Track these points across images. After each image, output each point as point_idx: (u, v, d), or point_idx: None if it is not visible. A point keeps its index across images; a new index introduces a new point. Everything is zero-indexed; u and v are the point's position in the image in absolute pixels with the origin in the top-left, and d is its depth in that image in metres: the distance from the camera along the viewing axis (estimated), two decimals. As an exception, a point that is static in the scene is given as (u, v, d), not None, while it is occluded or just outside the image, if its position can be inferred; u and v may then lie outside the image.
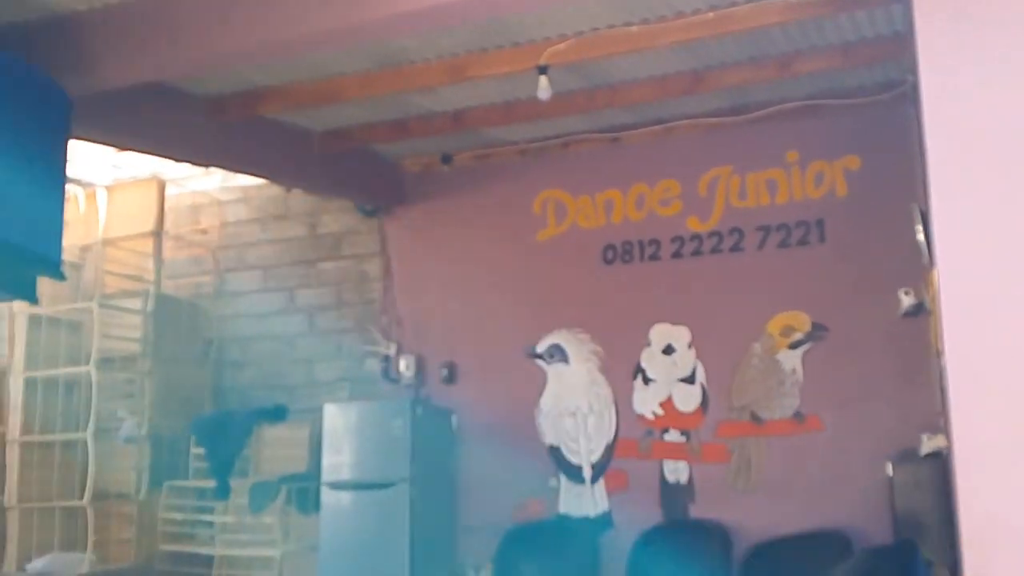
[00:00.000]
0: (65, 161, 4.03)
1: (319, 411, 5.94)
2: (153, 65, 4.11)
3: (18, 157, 3.67)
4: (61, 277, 4.12)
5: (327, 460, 5.81)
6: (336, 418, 5.87)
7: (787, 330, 5.41)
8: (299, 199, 6.77)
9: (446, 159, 6.30)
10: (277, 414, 6.36)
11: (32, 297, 4.37)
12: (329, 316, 6.61)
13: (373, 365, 6.39)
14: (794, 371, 5.38)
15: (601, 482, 5.77)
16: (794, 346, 5.38)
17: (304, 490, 5.93)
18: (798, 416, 5.34)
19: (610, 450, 5.76)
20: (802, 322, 5.37)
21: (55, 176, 3.96)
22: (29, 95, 3.79)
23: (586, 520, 5.76)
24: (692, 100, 5.37)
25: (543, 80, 4.49)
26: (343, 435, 5.83)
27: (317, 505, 5.82)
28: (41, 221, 3.84)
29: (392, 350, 6.32)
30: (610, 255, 5.92)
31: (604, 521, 5.72)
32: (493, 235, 6.25)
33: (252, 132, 5.49)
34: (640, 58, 4.73)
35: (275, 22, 3.76)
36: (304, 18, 3.71)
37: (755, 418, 5.44)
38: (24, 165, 3.72)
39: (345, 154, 6.03)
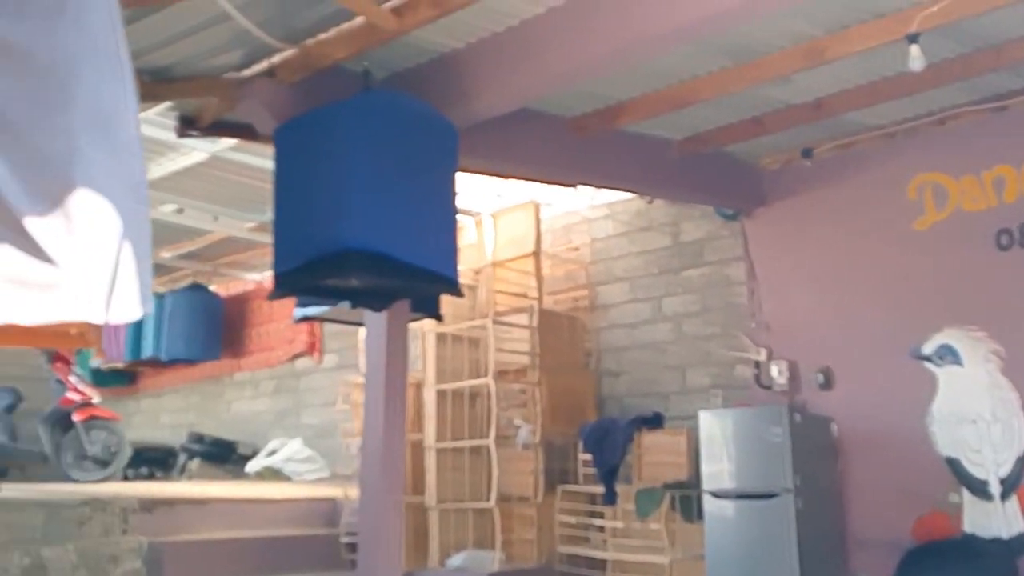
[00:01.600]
0: (455, 190, 4.35)
1: (694, 418, 5.99)
2: (523, 89, 4.42)
3: (419, 189, 4.00)
4: (460, 294, 4.45)
5: (706, 468, 5.84)
6: (712, 425, 5.89)
7: None
8: (661, 210, 6.89)
9: (806, 153, 6.01)
10: (655, 421, 6.54)
11: (437, 315, 4.96)
12: (696, 323, 6.64)
13: (744, 371, 6.30)
14: None
15: (1014, 499, 5.15)
16: None
17: (687, 498, 6.02)
18: None
19: (1021, 463, 5.15)
20: None
21: (448, 204, 4.28)
22: (424, 131, 4.12)
23: (998, 542, 5.17)
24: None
25: (914, 50, 4.08)
26: (720, 443, 5.83)
27: (700, 512, 5.88)
28: (441, 246, 4.16)
29: (762, 355, 6.18)
30: (1005, 240, 5.26)
31: (1021, 544, 5.13)
32: (863, 228, 5.83)
33: (612, 146, 5.66)
34: (1030, 8, 4.13)
35: (628, 28, 3.88)
36: (655, 19, 3.79)
37: None
38: (424, 196, 4.04)
39: (702, 158, 6.02)
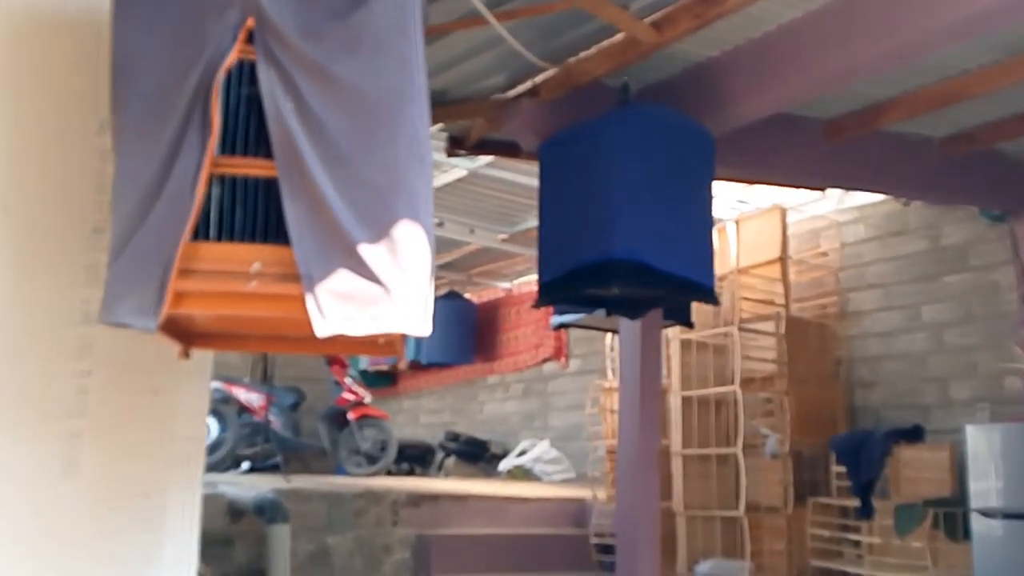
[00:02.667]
0: (712, 198, 4.38)
1: (958, 432, 5.70)
2: (779, 95, 4.38)
3: (679, 198, 4.09)
4: (716, 302, 4.50)
5: (974, 486, 5.54)
6: (980, 441, 5.56)
7: None
8: (917, 212, 6.59)
9: (1084, 149, 5.59)
10: (914, 434, 6.26)
11: (689, 322, 5.06)
12: (958, 332, 6.29)
13: (1015, 383, 5.92)
14: None
15: None
16: None
17: (951, 515, 5.74)
18: None
19: None
20: None
21: (706, 213, 4.32)
22: (683, 141, 4.19)
23: None
24: None
25: None
26: (989, 459, 5.51)
27: (967, 532, 5.59)
28: (699, 255, 4.22)
29: (1035, 367, 5.80)
30: None
31: None
32: None
33: (868, 148, 5.47)
34: None
35: (895, 29, 3.78)
36: (926, 17, 3.66)
37: None
38: (684, 205, 4.11)
39: (968, 158, 5.70)
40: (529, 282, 9.79)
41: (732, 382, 6.71)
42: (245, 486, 5.92)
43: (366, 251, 1.97)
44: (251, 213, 1.83)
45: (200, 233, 1.75)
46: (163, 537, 2.23)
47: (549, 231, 4.13)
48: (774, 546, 6.66)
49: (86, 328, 2.07)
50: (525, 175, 6.67)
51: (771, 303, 6.98)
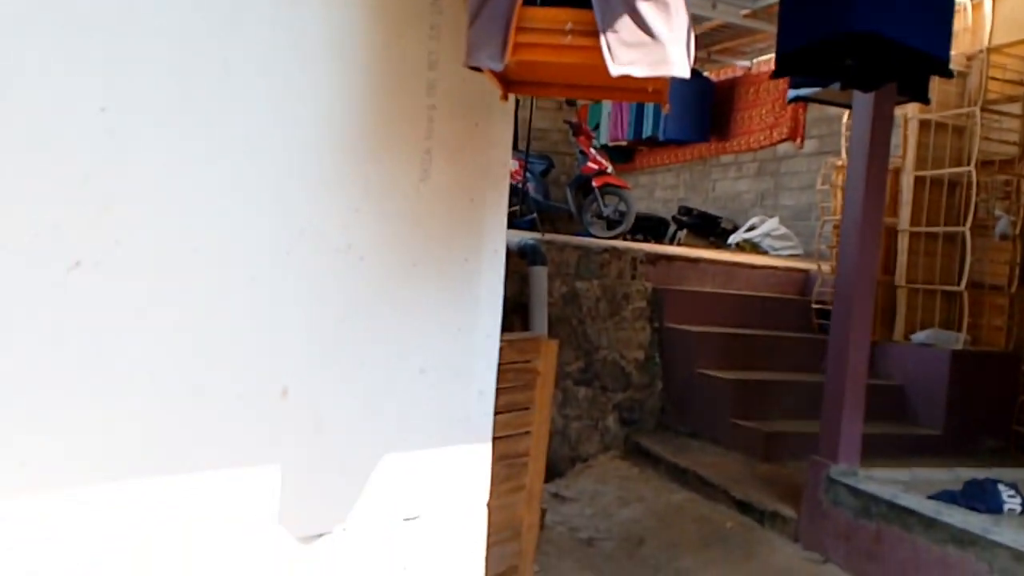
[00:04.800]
0: None
1: None
2: None
3: None
4: (950, 75, 4.54)
5: None
6: None
7: None
8: None
9: None
10: None
11: (925, 98, 5.12)
12: None
13: None
14: None
15: None
16: None
17: None
18: None
19: None
20: None
21: None
22: None
23: None
24: None
25: None
26: None
27: None
28: (938, 26, 4.23)
29: None
30: None
31: None
32: None
33: None
34: None
35: None
36: None
37: None
38: None
39: None
40: (768, 60, 9.88)
41: (968, 163, 6.80)
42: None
43: (645, 10, 2.53)
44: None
45: (528, 1, 2.42)
46: (483, 233, 3.09)
47: (790, 2, 4.39)
48: (993, 322, 6.93)
49: (432, 72, 2.86)
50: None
51: (1021, 84, 6.87)
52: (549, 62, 2.45)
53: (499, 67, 2.38)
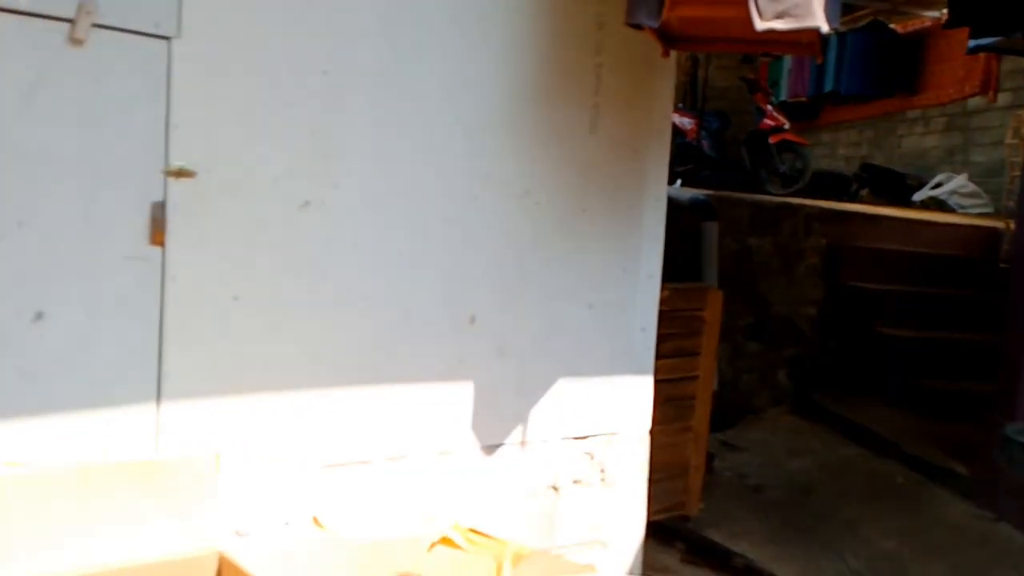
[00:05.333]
0: None
1: None
2: None
3: None
4: None
5: None
6: None
7: None
8: None
9: None
10: None
11: None
12: None
13: None
14: None
15: None
16: None
17: None
18: None
19: None
20: None
21: None
22: None
23: None
24: None
25: None
26: None
27: None
28: None
29: None
30: None
31: None
32: None
33: None
34: None
35: None
36: None
37: None
38: None
39: None
40: (962, 12, 9.42)
41: None
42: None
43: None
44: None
45: None
46: (646, 181, 3.37)
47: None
48: None
49: (599, 33, 3.15)
50: None
51: None
52: (705, 17, 2.67)
53: (656, 24, 2.63)
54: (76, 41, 2.09)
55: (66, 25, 2.09)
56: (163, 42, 2.23)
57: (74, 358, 2.16)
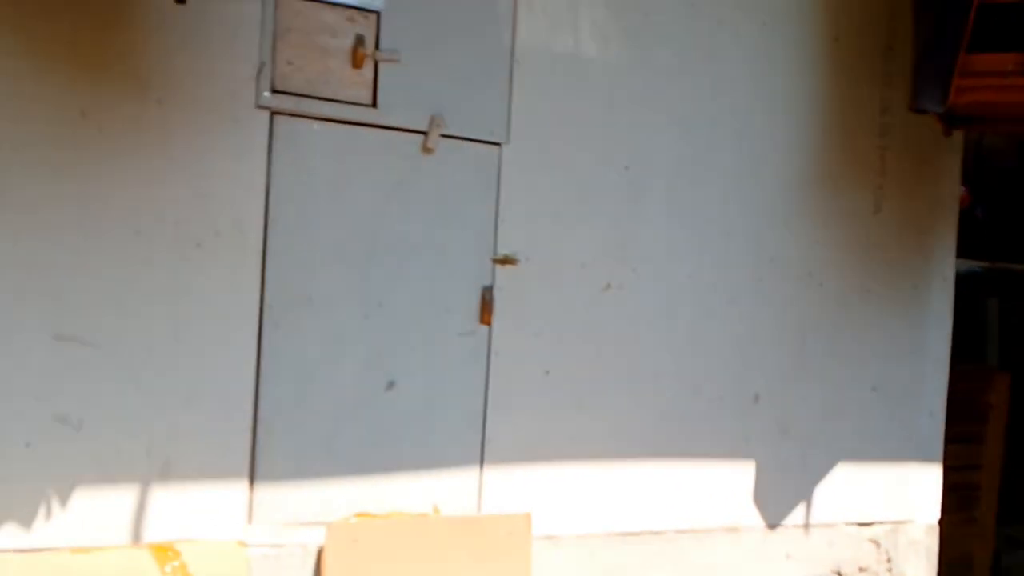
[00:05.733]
0: None
1: None
2: None
3: None
4: None
5: None
6: None
7: None
8: None
9: None
10: None
11: None
12: None
13: None
14: None
15: None
16: None
17: None
18: None
19: None
20: None
21: None
22: None
23: None
24: None
25: None
26: None
27: None
28: None
29: None
30: None
31: None
32: None
33: None
34: None
35: None
36: None
37: None
38: None
39: None
40: None
41: None
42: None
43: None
44: (1015, 30, 2.67)
45: (971, 48, 2.67)
46: (931, 260, 3.34)
47: None
48: None
49: (884, 117, 3.21)
50: None
51: None
52: (992, 102, 2.65)
53: (941, 110, 2.66)
54: (428, 150, 2.45)
55: (420, 137, 2.45)
56: (495, 148, 2.56)
57: (418, 423, 2.48)
